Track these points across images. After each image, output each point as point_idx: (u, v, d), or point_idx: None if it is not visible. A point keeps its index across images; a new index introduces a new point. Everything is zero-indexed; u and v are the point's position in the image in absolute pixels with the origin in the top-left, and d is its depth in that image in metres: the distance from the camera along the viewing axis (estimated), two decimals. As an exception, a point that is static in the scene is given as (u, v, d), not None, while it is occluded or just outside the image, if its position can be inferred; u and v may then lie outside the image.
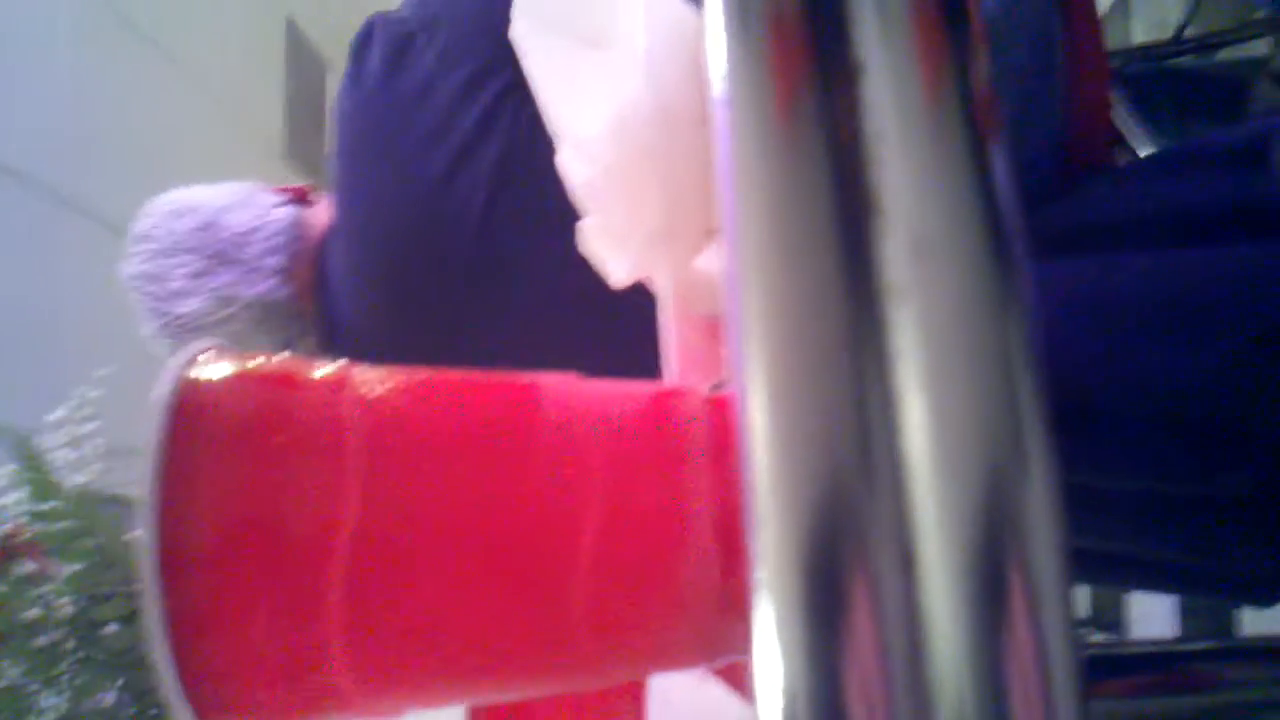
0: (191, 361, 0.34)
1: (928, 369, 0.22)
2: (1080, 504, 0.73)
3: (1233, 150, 0.72)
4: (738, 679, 0.45)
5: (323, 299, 1.07)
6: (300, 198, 1.13)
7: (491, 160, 0.94)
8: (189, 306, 1.05)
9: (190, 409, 0.33)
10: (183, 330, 1.07)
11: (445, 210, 0.96)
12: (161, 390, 0.33)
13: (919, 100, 0.24)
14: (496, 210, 0.95)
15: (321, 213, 1.11)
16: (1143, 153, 1.21)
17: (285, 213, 1.09)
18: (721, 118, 0.26)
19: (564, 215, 0.62)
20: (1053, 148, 0.83)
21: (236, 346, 1.00)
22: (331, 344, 1.10)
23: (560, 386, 0.35)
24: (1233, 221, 0.69)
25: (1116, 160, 1.22)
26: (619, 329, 0.82)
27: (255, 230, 1.07)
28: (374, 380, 0.35)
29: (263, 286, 1.06)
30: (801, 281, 0.23)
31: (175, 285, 1.06)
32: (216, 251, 1.06)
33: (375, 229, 1.01)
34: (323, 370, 0.35)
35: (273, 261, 1.06)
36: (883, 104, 0.24)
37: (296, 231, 1.08)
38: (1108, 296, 0.68)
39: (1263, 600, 0.82)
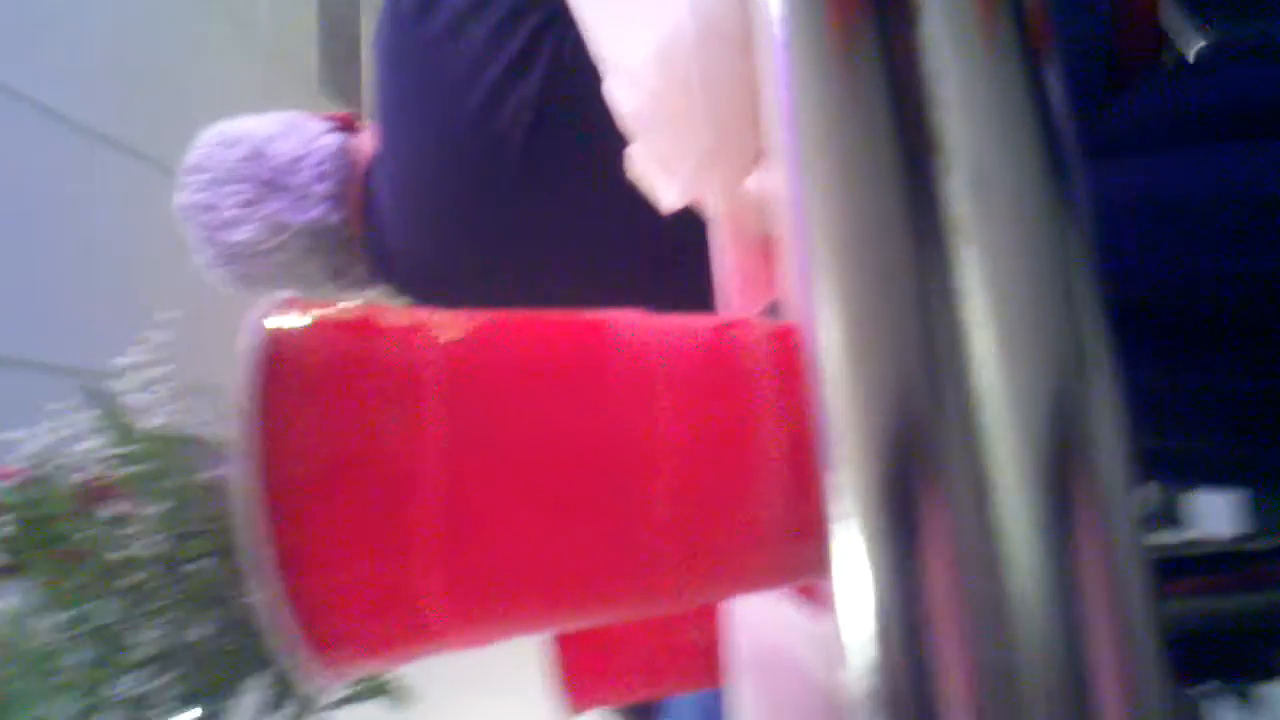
0: (273, 311, 0.36)
1: (993, 302, 0.23)
2: (1145, 401, 0.74)
3: None
4: (809, 598, 0.47)
5: (371, 225, 1.08)
6: (346, 125, 1.13)
7: (534, 88, 0.94)
8: (241, 235, 1.07)
9: (276, 358, 0.34)
10: (238, 259, 1.08)
11: (489, 138, 0.96)
12: (247, 341, 0.34)
13: (975, 38, 0.24)
14: (540, 136, 0.95)
15: (367, 140, 1.11)
16: (1190, 52, 1.18)
17: (332, 139, 1.10)
18: (780, 60, 0.26)
19: (609, 140, 0.62)
20: (1100, 49, 0.82)
21: (288, 275, 1.02)
22: (380, 270, 1.11)
23: (628, 322, 0.36)
24: None
25: (1166, 60, 1.20)
26: (666, 254, 0.82)
27: (303, 157, 1.08)
28: (449, 323, 0.36)
29: (313, 213, 1.07)
30: (868, 219, 0.24)
31: (227, 214, 1.07)
32: (266, 179, 1.07)
33: (420, 155, 1.01)
34: (399, 316, 0.37)
35: (321, 188, 1.07)
36: (940, 43, 0.24)
37: (344, 158, 1.09)
38: (1163, 196, 0.67)
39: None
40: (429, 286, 1.05)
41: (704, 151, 0.53)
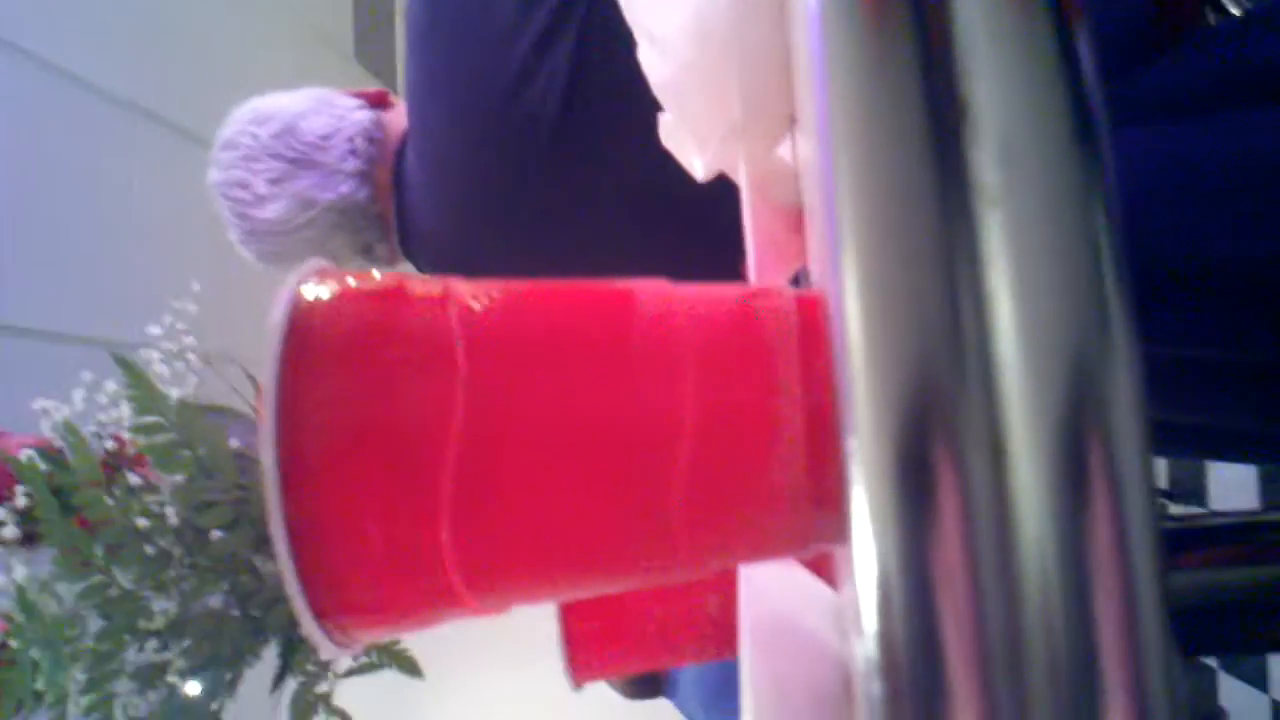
0: (303, 282, 0.36)
1: (1017, 271, 0.23)
2: (1165, 375, 0.73)
3: None
4: (825, 567, 0.47)
5: (401, 202, 1.09)
6: (379, 101, 1.14)
7: (566, 61, 0.94)
8: (271, 211, 1.08)
9: (305, 329, 0.34)
10: (268, 235, 1.09)
11: (520, 112, 0.96)
12: (277, 312, 0.34)
13: (1006, 7, 0.24)
14: (573, 110, 0.95)
15: (400, 116, 1.11)
16: (1236, 11, 1.17)
17: (363, 116, 1.10)
18: (811, 28, 0.26)
19: (642, 111, 0.62)
20: (1141, 8, 0.81)
21: (317, 251, 1.03)
22: (409, 248, 1.12)
23: (652, 291, 0.37)
24: None
25: (1208, 20, 1.18)
26: (699, 223, 0.82)
27: (334, 134, 1.09)
28: (475, 292, 0.36)
29: (342, 189, 1.08)
30: (896, 185, 0.24)
31: (258, 190, 1.08)
32: (297, 156, 1.08)
33: (450, 133, 1.02)
34: (426, 285, 0.37)
35: (351, 164, 1.08)
36: (970, 12, 0.24)
37: (375, 134, 1.10)
38: (1196, 162, 0.67)
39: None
40: (457, 265, 1.05)
41: (735, 120, 0.53)
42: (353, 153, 1.08)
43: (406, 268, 1.13)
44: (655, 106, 0.60)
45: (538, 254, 1.01)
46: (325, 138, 1.08)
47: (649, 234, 0.98)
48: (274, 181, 1.08)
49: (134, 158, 2.37)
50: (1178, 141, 0.68)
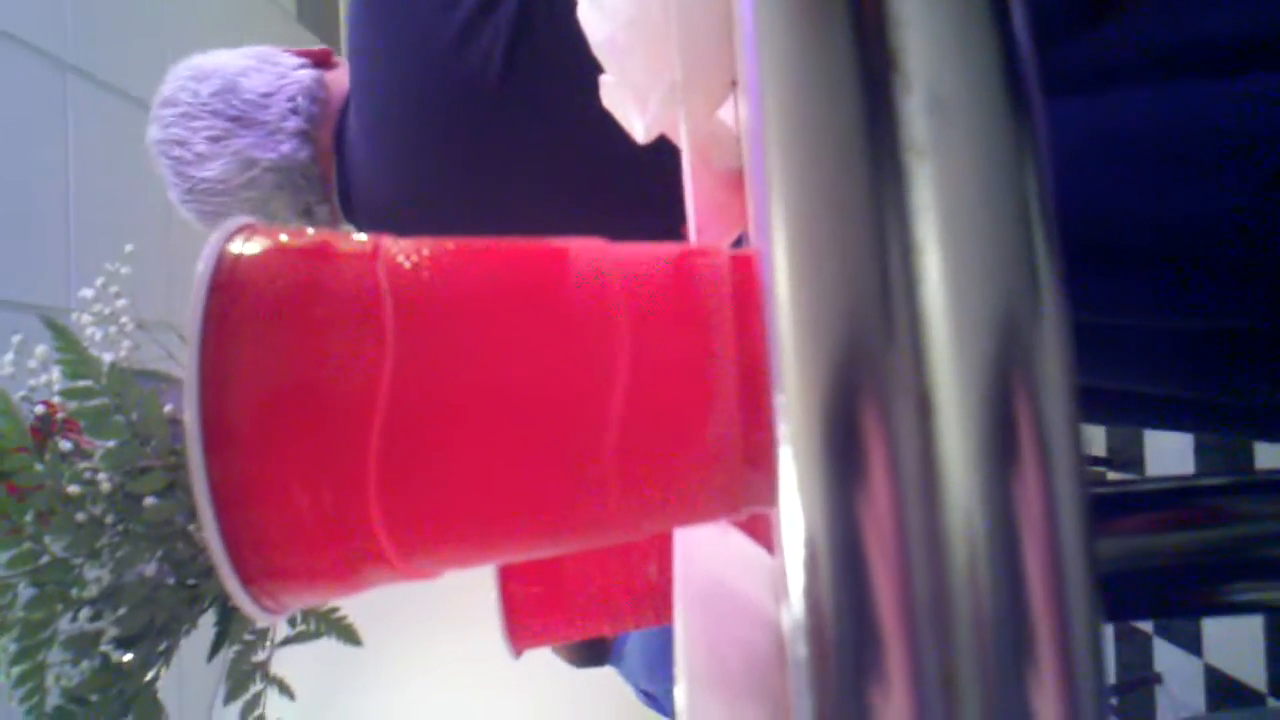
0: (229, 237, 0.35)
1: (945, 224, 0.23)
2: (1098, 343, 0.74)
3: None
4: (760, 530, 0.47)
5: (343, 162, 1.08)
6: (322, 60, 1.12)
7: (508, 22, 0.93)
8: (211, 170, 1.06)
9: (229, 285, 0.33)
10: (207, 195, 1.08)
11: (462, 72, 0.95)
12: (201, 267, 0.34)
13: (938, -45, 0.24)
14: (514, 71, 0.94)
15: (343, 76, 1.10)
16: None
17: (305, 75, 1.09)
18: (742, -23, 0.26)
19: (584, 73, 0.61)
20: None
21: (258, 212, 1.02)
22: (350, 209, 1.10)
23: (587, 249, 0.36)
24: (1262, 53, 0.68)
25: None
26: (641, 186, 0.82)
27: (275, 92, 1.07)
28: (406, 249, 0.36)
29: (283, 149, 1.06)
30: (824, 138, 0.24)
31: (198, 149, 1.06)
32: (237, 114, 1.06)
33: (392, 94, 1.00)
34: (356, 242, 0.36)
35: (293, 123, 1.06)
36: (900, -42, 0.24)
37: (317, 94, 1.08)
38: (1132, 131, 0.67)
39: (1273, 435, 0.83)
40: (399, 226, 1.04)
41: (675, 80, 0.53)
42: (294, 112, 1.06)
43: (348, 229, 1.12)
44: (597, 69, 0.60)
45: (479, 216, 1.00)
46: (266, 96, 1.07)
47: (590, 196, 0.97)
48: (214, 140, 1.06)
49: (69, 118, 2.31)
50: (1105, 111, 0.69)
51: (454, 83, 0.96)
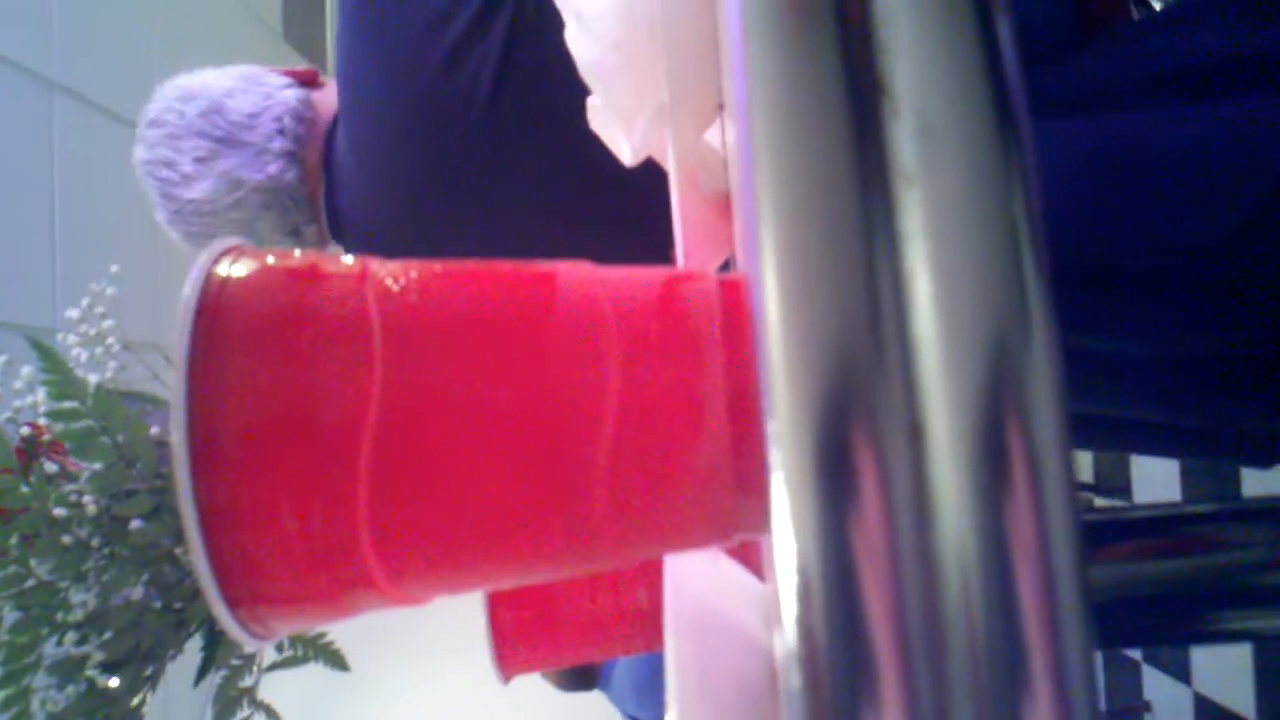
0: (216, 259, 0.35)
1: (935, 249, 0.23)
2: (1088, 369, 0.74)
3: (1249, 1, 0.71)
4: (751, 557, 0.47)
5: (331, 183, 1.07)
6: (308, 80, 1.12)
7: (496, 47, 0.93)
8: (198, 191, 1.06)
9: (216, 307, 0.33)
10: (194, 216, 1.07)
11: (451, 93, 0.95)
12: (188, 290, 0.33)
13: (926, -19, 0.24)
14: (503, 93, 0.94)
15: (330, 95, 1.10)
16: (1157, 6, 1.19)
17: (291, 95, 1.09)
18: (732, 3, 0.26)
19: (572, 95, 0.61)
20: (1065, 2, 0.82)
21: (245, 233, 1.01)
22: (337, 230, 1.10)
23: (576, 273, 0.36)
24: (1251, 76, 0.68)
25: (1131, 14, 1.20)
26: (629, 208, 0.82)
27: (261, 113, 1.07)
28: (394, 272, 0.36)
29: (270, 170, 1.06)
30: (813, 162, 0.24)
31: (184, 170, 1.06)
32: (224, 135, 1.06)
33: (380, 114, 1.00)
34: (344, 264, 0.36)
35: (279, 144, 1.06)
36: (890, -14, 0.24)
37: (304, 114, 1.08)
38: (1123, 154, 0.67)
39: (1261, 461, 0.83)
40: (386, 247, 1.04)
41: (662, 103, 0.53)
42: (280, 132, 1.06)
43: (336, 251, 1.12)
44: (585, 91, 0.60)
45: (468, 236, 1.00)
46: (252, 116, 1.07)
47: (579, 218, 0.97)
48: (200, 160, 1.06)
49: (55, 137, 2.31)
50: (1095, 133, 0.69)
51: (442, 103, 0.96)
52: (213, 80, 1.10)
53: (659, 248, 0.64)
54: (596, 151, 0.63)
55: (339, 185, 1.06)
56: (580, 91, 0.59)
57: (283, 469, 0.33)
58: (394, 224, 1.04)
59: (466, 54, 0.94)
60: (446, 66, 0.94)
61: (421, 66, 0.96)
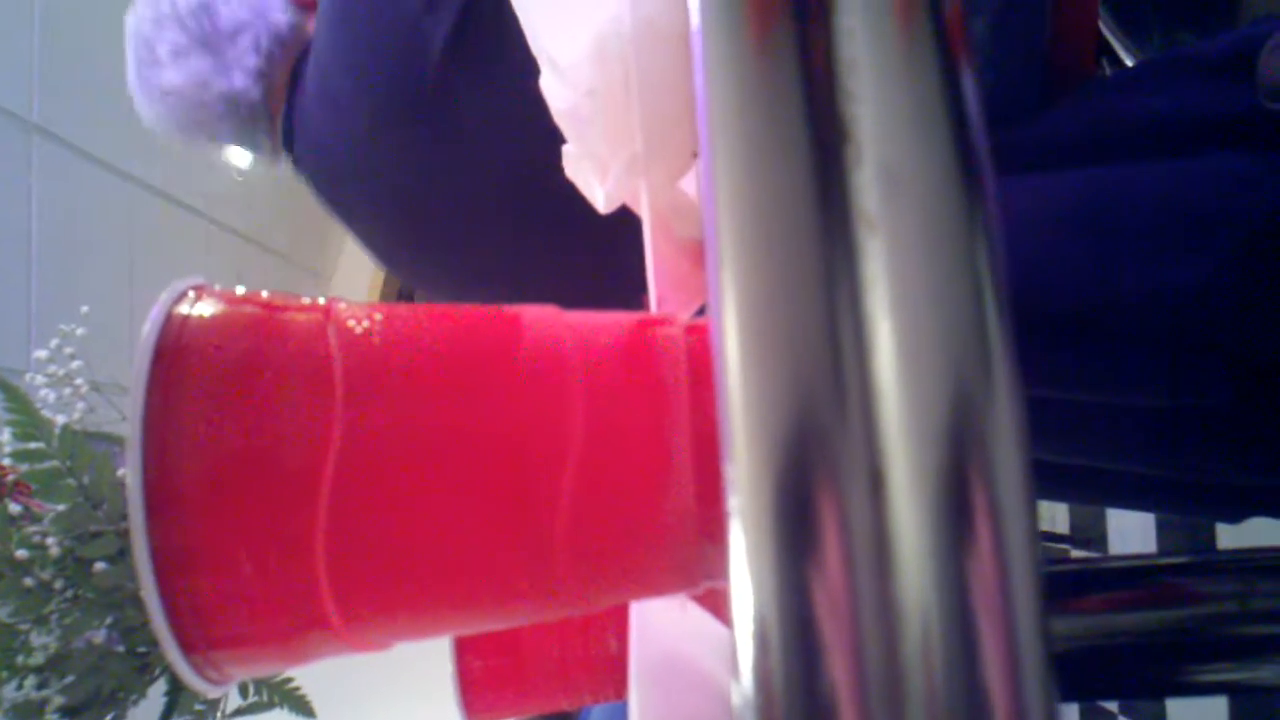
0: (177, 299, 0.34)
1: (896, 297, 0.22)
2: (1061, 420, 0.74)
3: (1218, 59, 0.72)
4: (717, 603, 0.46)
5: (291, 103, 1.08)
6: (307, 3, 1.12)
7: (452, 14, 0.94)
8: (168, 79, 1.08)
9: (176, 348, 0.33)
10: (159, 99, 1.09)
11: (413, 42, 0.96)
12: (147, 329, 0.33)
13: (890, 31, 0.24)
14: (458, 51, 0.95)
15: (312, 23, 1.11)
16: (1129, 63, 1.20)
17: (281, 19, 1.09)
18: (696, 47, 0.26)
19: (523, 70, 0.61)
20: (1037, 58, 0.83)
21: (204, 131, 1.02)
22: (293, 149, 1.11)
23: (541, 317, 0.36)
24: (1218, 132, 0.69)
25: (1102, 71, 1.22)
26: (602, 250, 0.82)
27: (246, 27, 1.08)
28: (357, 314, 0.35)
29: (236, 83, 1.07)
30: (775, 208, 0.24)
31: (158, 55, 1.08)
32: (202, 37, 1.07)
33: (343, 52, 1.01)
34: (307, 306, 0.36)
35: (251, 61, 1.07)
36: (855, 35, 0.24)
37: (286, 38, 1.09)
38: (1093, 209, 0.68)
39: (1230, 517, 0.83)
40: (335, 182, 1.08)
41: (637, 150, 0.53)
42: (255, 50, 1.07)
43: (287, 160, 1.13)
44: (560, 138, 0.60)
45: (419, 185, 1.00)
46: (237, 26, 1.07)
47: (552, 262, 0.98)
48: (173, 53, 1.07)
49: (33, 179, 2.30)
50: (1061, 188, 0.70)
51: (406, 49, 0.96)
52: None
53: (631, 294, 0.64)
54: (569, 196, 0.62)
55: (299, 107, 1.07)
56: (531, 65, 0.59)
57: (240, 511, 0.32)
58: (344, 161, 1.05)
59: (437, 3, 0.94)
60: (421, 10, 0.95)
61: (398, 7, 0.96)
